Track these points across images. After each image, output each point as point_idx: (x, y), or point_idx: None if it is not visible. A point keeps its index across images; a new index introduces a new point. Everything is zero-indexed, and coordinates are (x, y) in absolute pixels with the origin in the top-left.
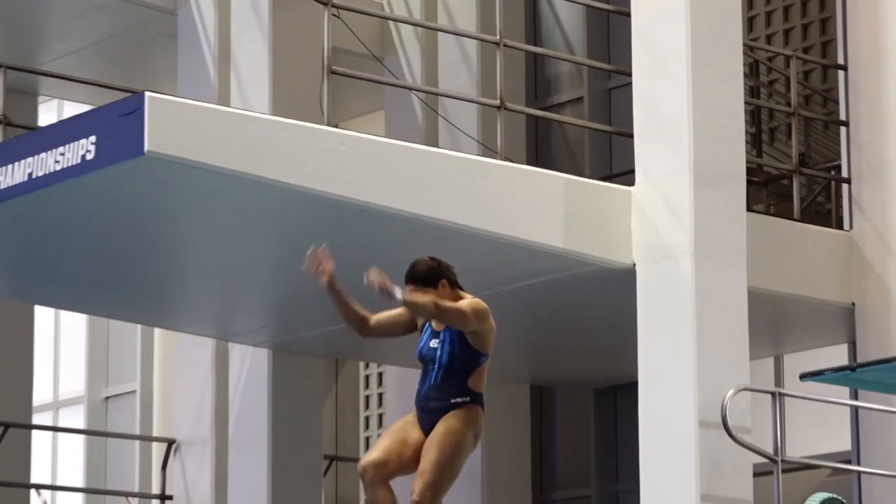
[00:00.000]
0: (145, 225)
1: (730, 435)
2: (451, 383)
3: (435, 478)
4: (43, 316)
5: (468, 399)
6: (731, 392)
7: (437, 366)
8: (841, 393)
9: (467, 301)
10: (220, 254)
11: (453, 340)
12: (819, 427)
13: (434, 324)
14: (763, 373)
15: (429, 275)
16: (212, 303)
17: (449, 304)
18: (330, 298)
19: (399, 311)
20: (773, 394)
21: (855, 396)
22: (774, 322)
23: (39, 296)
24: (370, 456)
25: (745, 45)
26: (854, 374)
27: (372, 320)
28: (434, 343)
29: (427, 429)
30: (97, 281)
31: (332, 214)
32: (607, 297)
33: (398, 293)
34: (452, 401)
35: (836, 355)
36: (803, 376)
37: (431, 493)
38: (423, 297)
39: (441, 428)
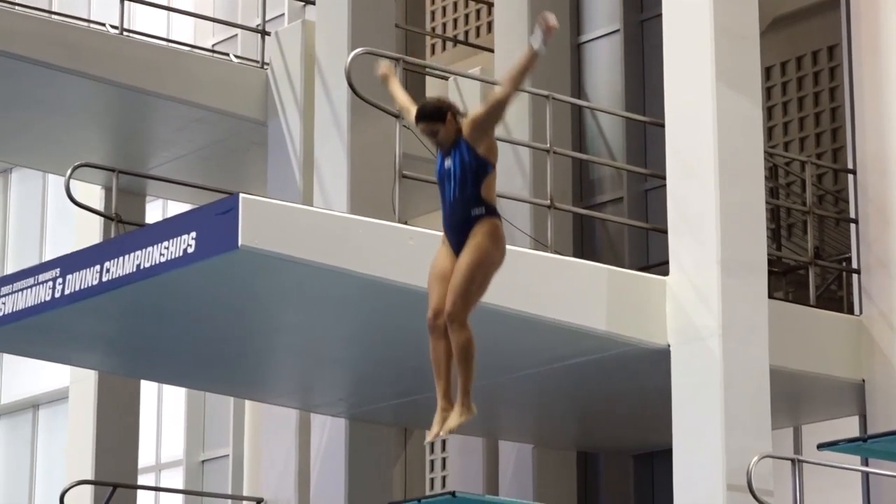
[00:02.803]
0: (238, 310)
1: (755, 497)
2: (466, 194)
3: (464, 289)
4: (147, 389)
5: (484, 211)
6: (755, 459)
7: (452, 180)
8: (854, 460)
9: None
10: (303, 335)
11: (463, 153)
12: (835, 491)
13: (444, 145)
14: (783, 442)
15: (438, 111)
16: (296, 378)
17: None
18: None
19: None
20: (792, 461)
21: (866, 464)
22: (793, 396)
23: (145, 371)
24: (428, 312)
25: (765, 151)
26: (865, 445)
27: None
28: (447, 162)
29: (457, 249)
30: (195, 358)
31: (402, 301)
32: (645, 373)
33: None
34: (472, 212)
35: (849, 427)
36: (820, 446)
37: (461, 302)
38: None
39: (469, 246)
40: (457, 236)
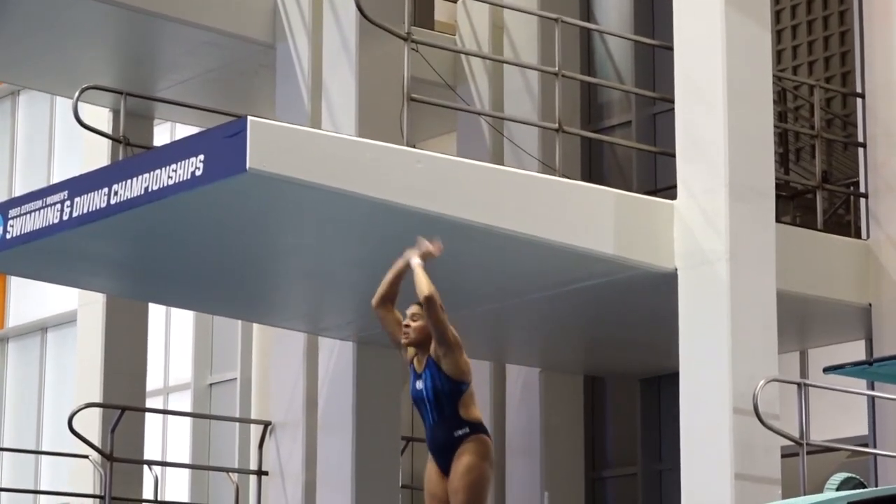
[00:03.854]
0: (246, 234)
1: (760, 421)
2: (445, 417)
3: None
4: (155, 312)
5: (468, 430)
6: (761, 382)
7: (427, 404)
8: (859, 384)
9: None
10: (311, 259)
11: (433, 375)
12: (840, 414)
13: (416, 364)
14: (790, 366)
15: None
16: (304, 301)
17: (442, 313)
18: (398, 270)
19: (398, 321)
20: (798, 384)
21: (872, 387)
22: (800, 321)
23: (152, 295)
24: None
25: (774, 75)
26: (871, 368)
27: (392, 306)
28: (419, 384)
29: (445, 470)
30: (203, 282)
31: (410, 224)
32: (652, 297)
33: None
34: (455, 434)
35: (855, 351)
36: (826, 370)
37: None
38: (429, 286)
39: (459, 469)
40: (443, 457)
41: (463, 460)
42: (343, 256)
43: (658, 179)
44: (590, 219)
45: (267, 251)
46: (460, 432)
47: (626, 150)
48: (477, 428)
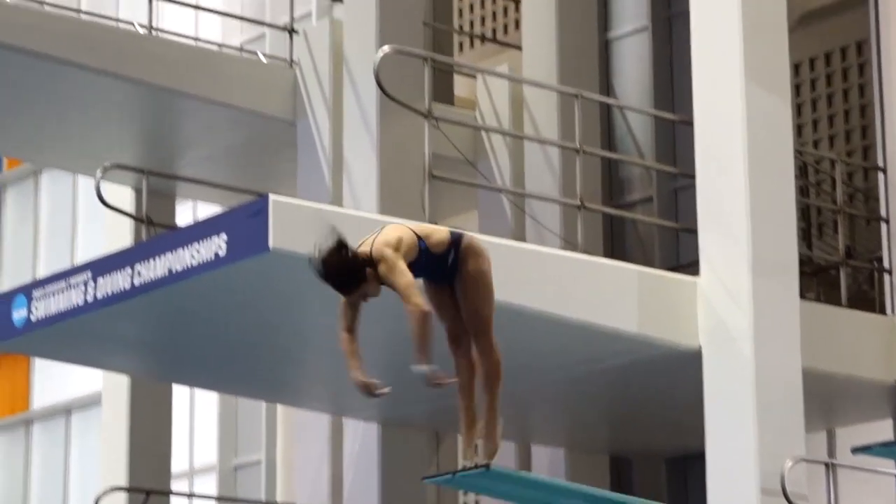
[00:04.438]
0: (269, 313)
1: (788, 502)
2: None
3: (482, 320)
4: (180, 393)
5: (453, 255)
6: (789, 462)
7: None
8: (888, 465)
9: (403, 282)
10: (334, 339)
11: None
12: (868, 495)
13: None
14: (817, 445)
15: (352, 273)
16: (327, 382)
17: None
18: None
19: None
20: (826, 464)
21: None
22: (826, 399)
23: (176, 375)
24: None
25: (795, 149)
26: None
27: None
28: None
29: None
30: (227, 362)
31: None
32: (676, 376)
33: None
34: (448, 262)
35: (883, 429)
36: (854, 450)
37: (483, 331)
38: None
39: (465, 278)
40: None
41: (466, 269)
42: (365, 335)
43: (681, 255)
44: (612, 296)
45: (290, 331)
46: (451, 258)
47: (648, 226)
48: (457, 238)
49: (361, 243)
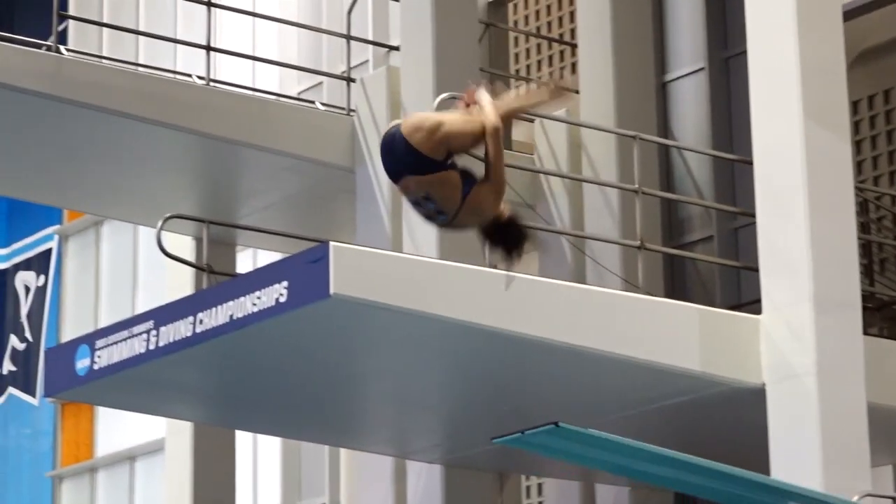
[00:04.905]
0: (330, 358)
1: None
2: None
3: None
4: (243, 438)
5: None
6: (856, 498)
7: None
8: None
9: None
10: (396, 381)
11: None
12: None
13: None
14: (884, 480)
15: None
16: (390, 425)
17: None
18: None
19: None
20: (893, 499)
21: None
22: (891, 433)
23: (239, 422)
24: None
25: (855, 186)
26: None
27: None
28: None
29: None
30: (289, 407)
31: (494, 345)
32: (740, 413)
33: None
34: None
35: None
36: None
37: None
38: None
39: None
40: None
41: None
42: (428, 379)
43: (742, 294)
44: (675, 335)
45: (351, 375)
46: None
47: (709, 265)
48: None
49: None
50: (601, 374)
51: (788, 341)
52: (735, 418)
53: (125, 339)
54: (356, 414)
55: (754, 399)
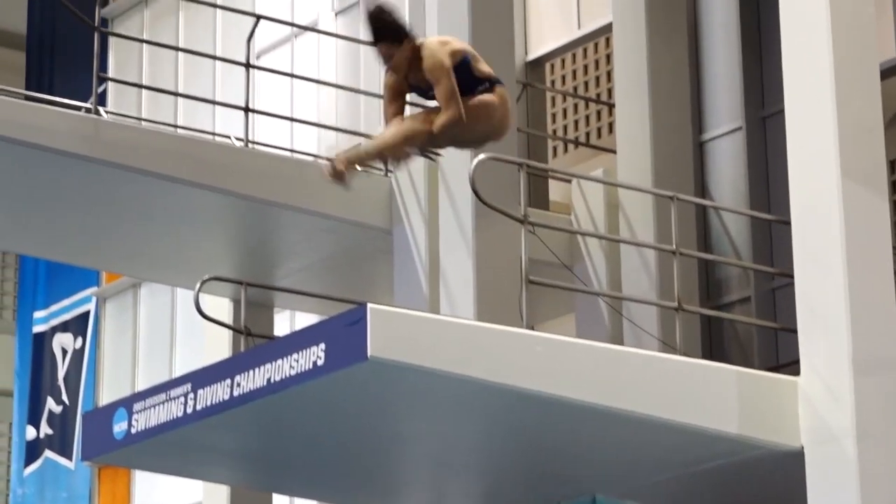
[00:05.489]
0: (369, 420)
1: None
2: None
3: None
4: (280, 501)
5: None
6: None
7: None
8: None
9: (449, 86)
10: (434, 444)
11: None
12: None
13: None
14: None
15: (389, 28)
16: (428, 487)
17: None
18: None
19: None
20: None
21: None
22: None
23: (276, 485)
24: None
25: (894, 245)
26: None
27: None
28: None
29: None
30: (326, 470)
31: (531, 407)
32: (778, 476)
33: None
34: None
35: None
36: None
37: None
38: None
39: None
40: None
41: None
42: (465, 441)
43: (780, 355)
44: (712, 397)
45: (389, 438)
46: None
47: (747, 326)
48: None
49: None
50: (639, 436)
51: (827, 403)
52: (773, 481)
53: (162, 403)
54: (394, 476)
55: (793, 462)
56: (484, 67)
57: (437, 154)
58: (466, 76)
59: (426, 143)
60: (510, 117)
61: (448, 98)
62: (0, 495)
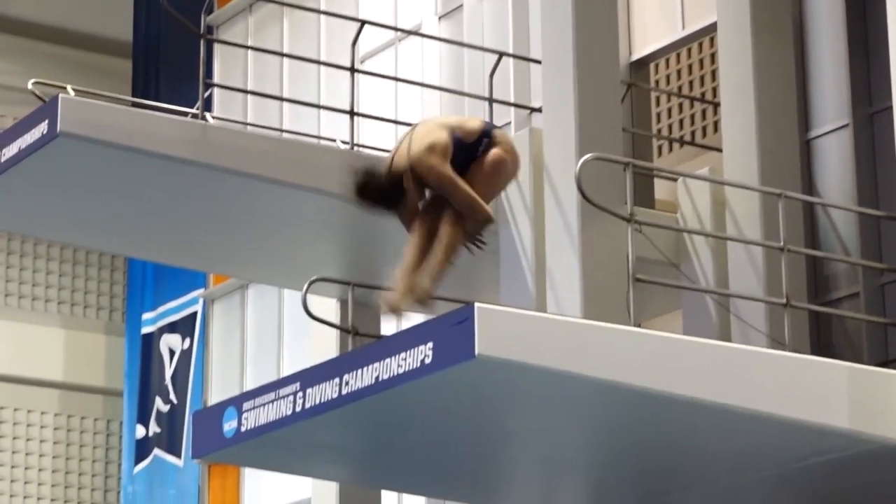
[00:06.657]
0: (476, 418)
1: None
2: None
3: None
4: (388, 498)
5: None
6: None
7: None
8: None
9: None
10: (541, 442)
11: None
12: None
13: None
14: None
15: (390, 194)
16: (535, 486)
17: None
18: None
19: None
20: None
21: None
22: None
23: (384, 482)
24: None
25: None
26: None
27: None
28: None
29: None
30: (434, 467)
31: (639, 404)
32: (890, 470)
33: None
34: None
35: None
36: None
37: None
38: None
39: (486, 161)
40: None
41: None
42: (573, 439)
43: (889, 350)
44: (822, 393)
45: (496, 436)
46: None
47: (856, 322)
48: None
49: (395, 152)
50: (748, 432)
51: None
52: (883, 476)
53: (272, 402)
54: (502, 474)
55: None
56: (471, 126)
57: (484, 243)
58: (463, 149)
59: (466, 240)
60: (517, 154)
61: (469, 206)
62: (112, 492)
